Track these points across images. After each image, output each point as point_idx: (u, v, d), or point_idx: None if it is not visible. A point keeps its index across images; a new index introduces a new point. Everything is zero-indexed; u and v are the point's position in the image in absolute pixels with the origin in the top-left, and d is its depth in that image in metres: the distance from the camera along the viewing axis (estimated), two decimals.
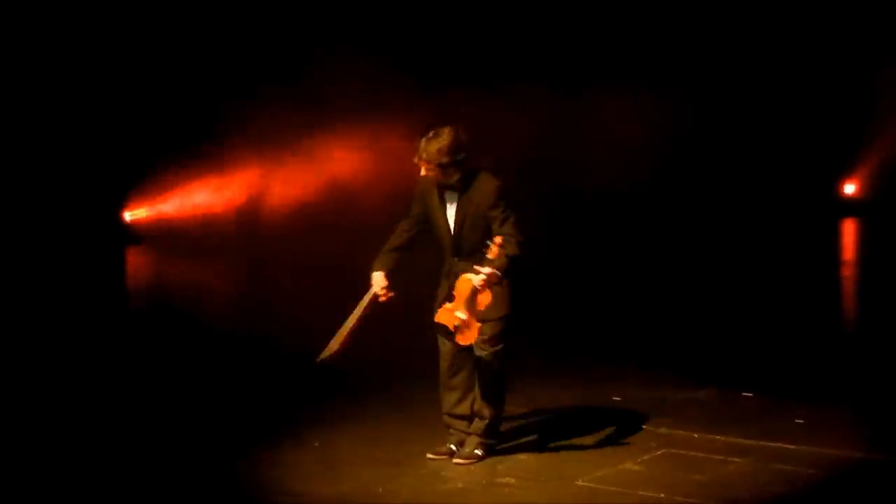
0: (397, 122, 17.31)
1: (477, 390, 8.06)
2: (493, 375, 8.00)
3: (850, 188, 21.83)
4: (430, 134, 7.83)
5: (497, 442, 8.13)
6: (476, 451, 8.07)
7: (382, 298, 8.05)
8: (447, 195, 7.95)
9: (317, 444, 8.51)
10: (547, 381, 10.15)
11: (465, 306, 7.64)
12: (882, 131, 21.14)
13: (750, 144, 20.86)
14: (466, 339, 7.75)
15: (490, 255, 7.64)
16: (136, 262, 18.88)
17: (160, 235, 19.57)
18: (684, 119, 20.50)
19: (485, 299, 7.69)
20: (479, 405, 8.06)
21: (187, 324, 13.47)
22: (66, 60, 18.14)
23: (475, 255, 7.82)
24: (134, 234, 19.46)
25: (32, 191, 17.93)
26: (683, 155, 20.56)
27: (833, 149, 21.01)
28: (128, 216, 19.59)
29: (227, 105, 18.88)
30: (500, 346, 7.96)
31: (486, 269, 7.59)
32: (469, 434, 8.11)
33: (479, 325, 7.69)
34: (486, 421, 8.05)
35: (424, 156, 7.81)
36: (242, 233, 19.55)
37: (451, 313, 7.66)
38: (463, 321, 7.65)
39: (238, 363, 11.30)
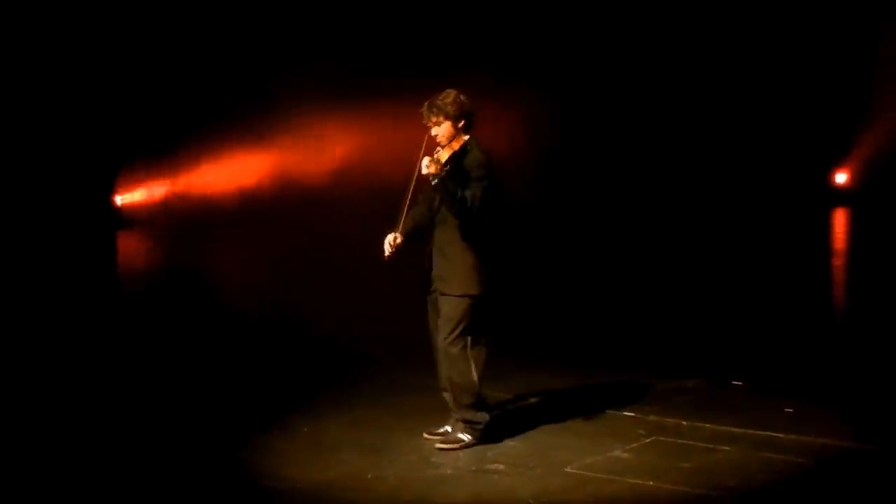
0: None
1: (448, 375, 8.07)
2: (456, 359, 7.96)
3: (841, 178, 21.85)
4: (441, 95, 7.97)
5: (484, 426, 8.08)
6: (460, 436, 8.08)
7: (388, 250, 7.98)
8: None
9: (306, 430, 8.50)
10: (536, 369, 10.16)
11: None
12: (874, 121, 21.16)
13: (742, 134, 20.88)
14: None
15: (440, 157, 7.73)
16: (127, 247, 18.87)
17: (151, 219, 19.57)
18: (678, 109, 20.56)
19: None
20: (453, 395, 8.04)
21: (177, 310, 13.47)
22: (58, 50, 18.15)
23: (448, 219, 7.87)
24: (125, 219, 19.46)
25: (23, 176, 17.93)
26: (676, 144, 20.61)
27: (825, 138, 21.03)
28: (118, 200, 19.59)
29: (217, 94, 18.94)
30: (459, 328, 7.93)
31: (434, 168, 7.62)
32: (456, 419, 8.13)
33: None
34: (464, 406, 8.03)
35: (439, 103, 7.89)
36: (232, 216, 19.57)
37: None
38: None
39: (227, 349, 11.30)
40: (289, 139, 19.85)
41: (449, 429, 8.19)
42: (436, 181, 7.67)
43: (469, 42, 19.63)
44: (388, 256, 7.97)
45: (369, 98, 18.63)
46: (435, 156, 7.77)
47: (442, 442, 8.09)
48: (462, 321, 7.95)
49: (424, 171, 7.65)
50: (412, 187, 7.83)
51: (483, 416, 8.09)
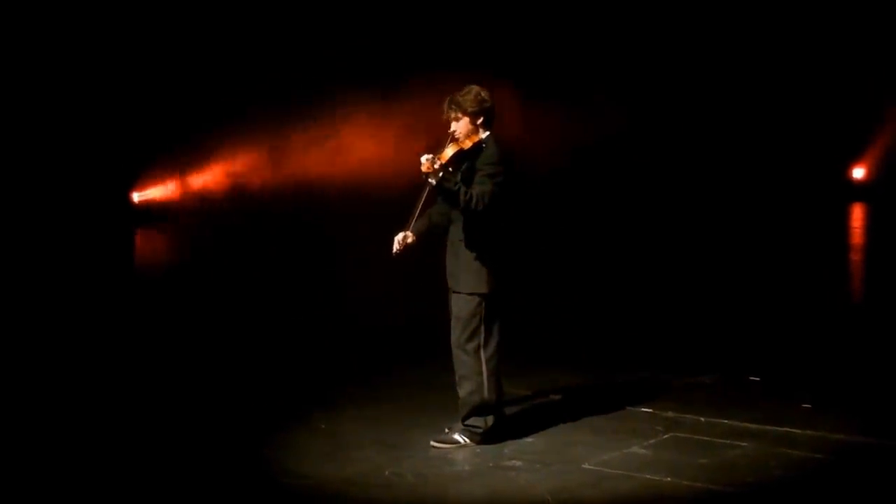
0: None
1: (458, 374, 8.05)
2: (467, 358, 7.94)
3: (858, 172, 21.80)
4: (462, 90, 7.94)
5: (484, 431, 8.01)
6: (456, 437, 8.05)
7: (396, 247, 7.96)
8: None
9: (323, 427, 8.52)
10: (553, 366, 10.17)
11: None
12: (891, 116, 21.11)
13: (760, 129, 20.84)
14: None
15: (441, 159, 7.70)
16: (145, 244, 18.91)
17: (171, 216, 19.60)
18: (696, 105, 20.53)
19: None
20: (461, 394, 8.03)
21: (196, 306, 13.49)
22: (76, 46, 18.20)
23: (461, 217, 7.89)
24: (143, 215, 19.50)
25: (42, 173, 17.98)
26: (695, 140, 20.58)
27: (842, 133, 20.98)
28: (136, 197, 19.63)
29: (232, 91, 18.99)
30: (470, 327, 7.92)
31: (438, 165, 7.61)
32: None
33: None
34: (466, 406, 8.01)
35: (459, 99, 7.87)
36: (248, 213, 19.59)
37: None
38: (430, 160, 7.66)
39: (247, 346, 11.32)
40: (310, 135, 19.83)
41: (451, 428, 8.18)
42: (431, 180, 7.64)
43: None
44: (396, 254, 7.94)
45: (393, 95, 18.63)
46: (437, 153, 7.74)
47: (438, 441, 8.09)
48: (472, 320, 7.93)
49: (421, 167, 7.62)
50: (427, 187, 7.80)
51: (485, 422, 8.02)
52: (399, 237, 7.93)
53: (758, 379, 9.65)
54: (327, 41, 19.38)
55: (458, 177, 7.80)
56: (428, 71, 16.12)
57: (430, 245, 8.12)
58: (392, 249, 7.93)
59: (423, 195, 7.83)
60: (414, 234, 7.95)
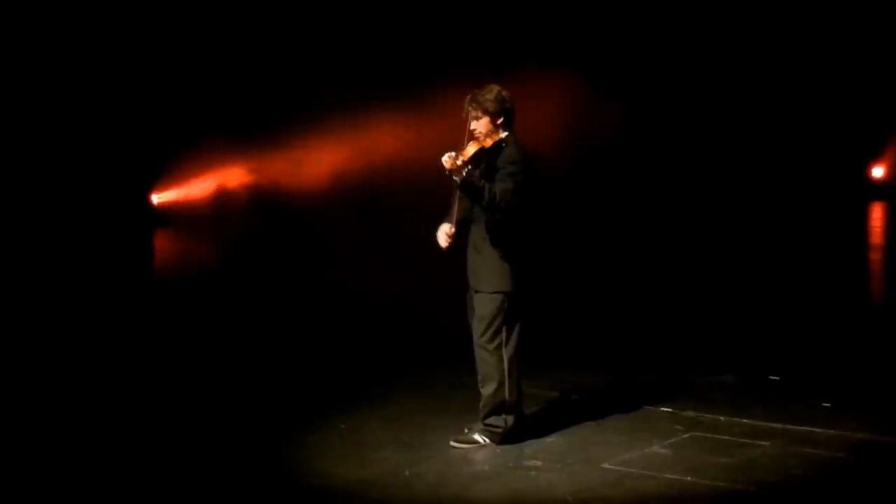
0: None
1: (481, 373, 8.06)
2: (489, 357, 7.95)
3: (878, 171, 21.75)
4: (483, 89, 7.92)
5: (504, 432, 8.02)
6: (475, 437, 8.06)
7: (445, 240, 7.92)
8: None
9: (343, 427, 8.53)
10: (573, 365, 10.17)
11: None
12: None
13: (780, 129, 20.81)
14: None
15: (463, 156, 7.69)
16: (164, 245, 18.96)
17: (188, 218, 19.66)
18: (717, 105, 20.51)
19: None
20: (483, 394, 8.04)
21: (215, 307, 13.53)
22: (98, 53, 18.29)
23: (483, 216, 7.87)
24: (162, 217, 19.57)
25: (60, 175, 18.06)
26: (714, 139, 20.57)
27: (861, 133, 20.94)
28: (155, 199, 19.70)
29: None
30: (493, 326, 7.92)
31: (461, 161, 7.60)
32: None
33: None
34: (486, 406, 8.01)
35: (480, 98, 7.86)
36: (266, 215, 19.64)
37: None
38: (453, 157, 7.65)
39: (266, 346, 11.34)
40: (328, 137, 19.85)
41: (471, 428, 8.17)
42: (455, 178, 7.62)
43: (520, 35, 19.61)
44: (447, 247, 7.91)
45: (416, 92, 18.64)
46: (459, 151, 7.74)
47: (458, 441, 8.09)
48: (495, 319, 7.94)
49: (445, 164, 7.60)
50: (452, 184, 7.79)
51: (504, 422, 8.02)
52: (446, 229, 7.90)
53: (778, 378, 9.63)
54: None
55: (478, 173, 7.82)
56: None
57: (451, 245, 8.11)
58: (441, 244, 7.90)
59: (455, 192, 7.82)
60: (455, 226, 7.90)
